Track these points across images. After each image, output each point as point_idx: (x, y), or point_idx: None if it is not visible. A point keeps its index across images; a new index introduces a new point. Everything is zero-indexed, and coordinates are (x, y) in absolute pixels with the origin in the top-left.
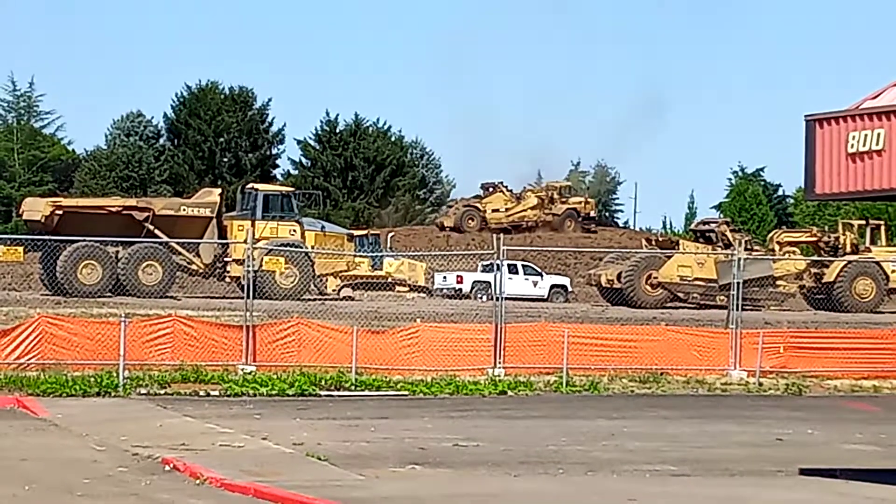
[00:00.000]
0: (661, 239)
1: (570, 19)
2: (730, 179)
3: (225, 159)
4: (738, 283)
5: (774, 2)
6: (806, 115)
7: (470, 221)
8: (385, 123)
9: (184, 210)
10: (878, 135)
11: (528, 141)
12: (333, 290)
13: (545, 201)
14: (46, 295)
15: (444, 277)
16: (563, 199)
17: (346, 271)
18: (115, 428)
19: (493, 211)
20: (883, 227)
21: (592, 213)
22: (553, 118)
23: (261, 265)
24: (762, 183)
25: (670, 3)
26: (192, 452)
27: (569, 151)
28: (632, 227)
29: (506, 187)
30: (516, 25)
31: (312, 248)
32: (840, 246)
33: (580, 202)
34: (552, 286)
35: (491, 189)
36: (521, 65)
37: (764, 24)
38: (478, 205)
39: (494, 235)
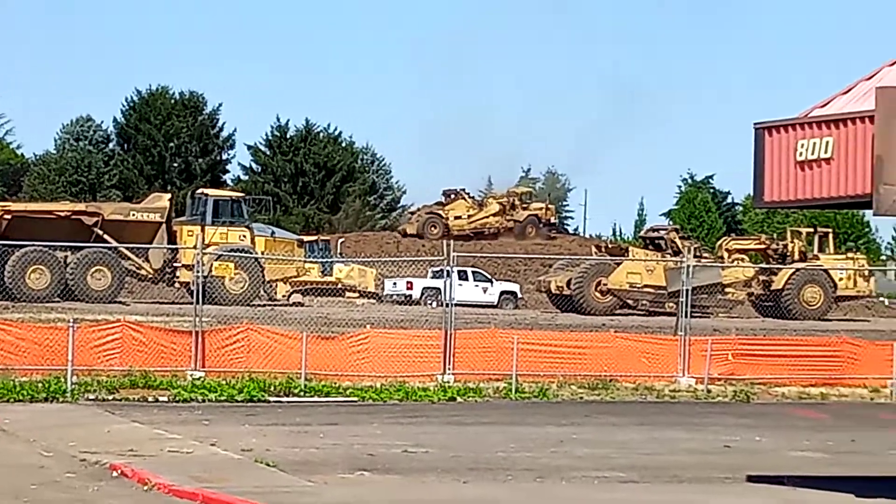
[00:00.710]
0: (610, 246)
1: (524, 19)
2: (679, 187)
3: (175, 164)
4: (687, 291)
5: (722, 9)
6: (755, 123)
7: (433, 229)
8: (335, 129)
9: (133, 215)
10: (827, 143)
11: (476, 146)
12: (283, 296)
13: (507, 208)
14: None
15: (395, 283)
16: (525, 206)
17: (295, 277)
18: (63, 433)
19: (456, 218)
20: (831, 235)
21: (553, 220)
22: (507, 124)
23: (210, 270)
24: (711, 190)
25: (618, 8)
26: (141, 458)
27: (536, 155)
28: (581, 234)
29: (468, 194)
30: (473, 29)
31: (262, 253)
32: (788, 253)
33: (541, 208)
34: (502, 293)
35: (453, 196)
36: (476, 69)
37: (712, 31)
38: (440, 212)
39: (444, 241)
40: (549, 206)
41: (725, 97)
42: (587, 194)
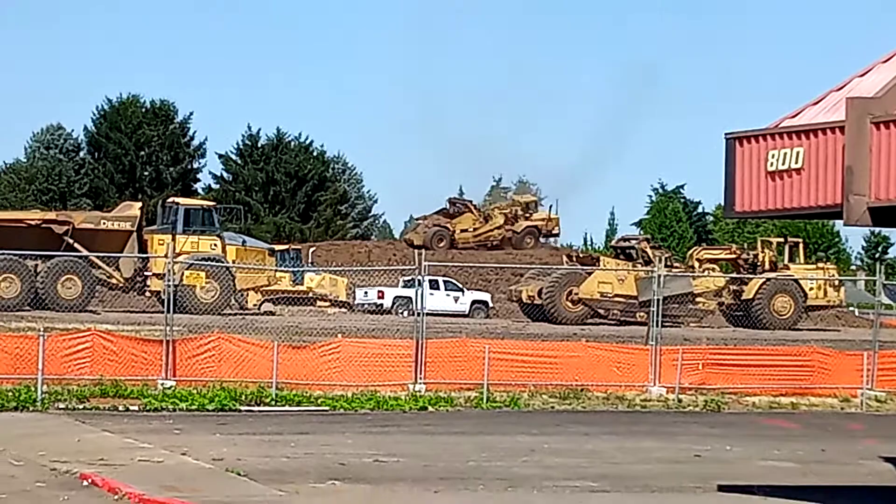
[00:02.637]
0: (581, 255)
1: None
2: (650, 196)
3: (146, 173)
4: (658, 300)
5: (692, 21)
6: (726, 134)
7: (440, 242)
8: (307, 138)
9: (104, 224)
10: (797, 153)
11: (446, 153)
12: (254, 305)
13: (510, 218)
14: None
15: (366, 292)
16: (528, 216)
17: (266, 286)
18: (33, 443)
19: (462, 231)
20: (801, 245)
21: (557, 231)
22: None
23: (181, 279)
24: (682, 200)
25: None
26: (111, 468)
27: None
28: (552, 244)
29: (475, 206)
30: (437, 33)
31: (233, 262)
32: (759, 263)
33: (544, 219)
34: (473, 302)
35: (460, 206)
36: (447, 76)
37: (680, 42)
38: (448, 225)
39: (416, 251)
40: (553, 216)
41: (697, 107)
42: (558, 204)
